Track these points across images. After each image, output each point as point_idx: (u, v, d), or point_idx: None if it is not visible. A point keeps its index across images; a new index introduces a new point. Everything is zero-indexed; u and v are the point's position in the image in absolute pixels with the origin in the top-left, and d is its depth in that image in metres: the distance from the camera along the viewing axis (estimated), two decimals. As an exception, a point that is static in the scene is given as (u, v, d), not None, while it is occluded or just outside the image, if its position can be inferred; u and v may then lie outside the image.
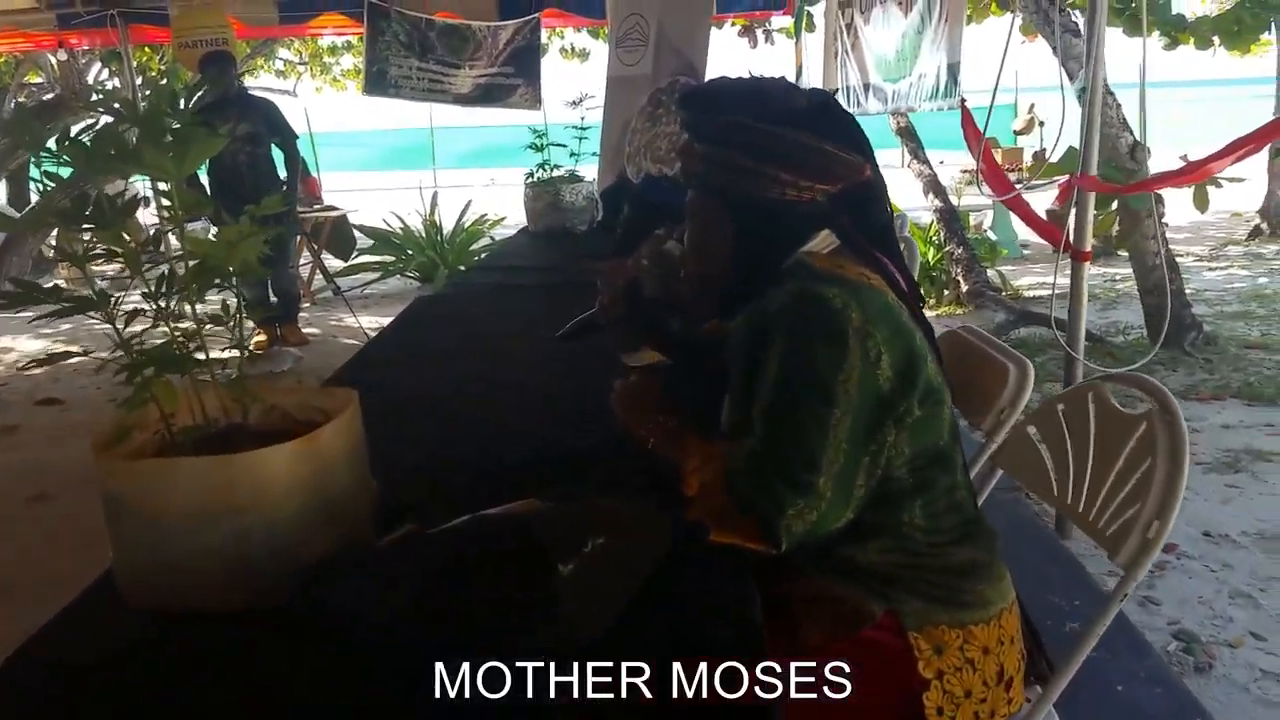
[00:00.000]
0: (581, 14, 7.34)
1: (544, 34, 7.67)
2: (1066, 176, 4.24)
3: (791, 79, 6.75)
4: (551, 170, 4.96)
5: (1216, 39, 6.66)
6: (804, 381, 1.33)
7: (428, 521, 1.42)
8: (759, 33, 9.92)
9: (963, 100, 3.83)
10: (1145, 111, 2.70)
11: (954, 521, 1.48)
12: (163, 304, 1.25)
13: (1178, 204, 8.44)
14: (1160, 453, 1.54)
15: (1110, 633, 1.63)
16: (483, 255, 9.13)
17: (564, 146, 5.12)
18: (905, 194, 8.02)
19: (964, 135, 3.93)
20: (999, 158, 10.61)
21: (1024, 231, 9.57)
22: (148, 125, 1.12)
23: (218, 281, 1.26)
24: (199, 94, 1.30)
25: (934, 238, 7.60)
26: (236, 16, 6.84)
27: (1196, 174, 3.16)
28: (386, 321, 7.62)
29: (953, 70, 3.88)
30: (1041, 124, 10.00)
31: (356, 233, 9.27)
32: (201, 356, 1.27)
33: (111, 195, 1.23)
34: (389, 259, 9.06)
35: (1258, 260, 8.59)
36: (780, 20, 9.36)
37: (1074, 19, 5.38)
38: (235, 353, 1.34)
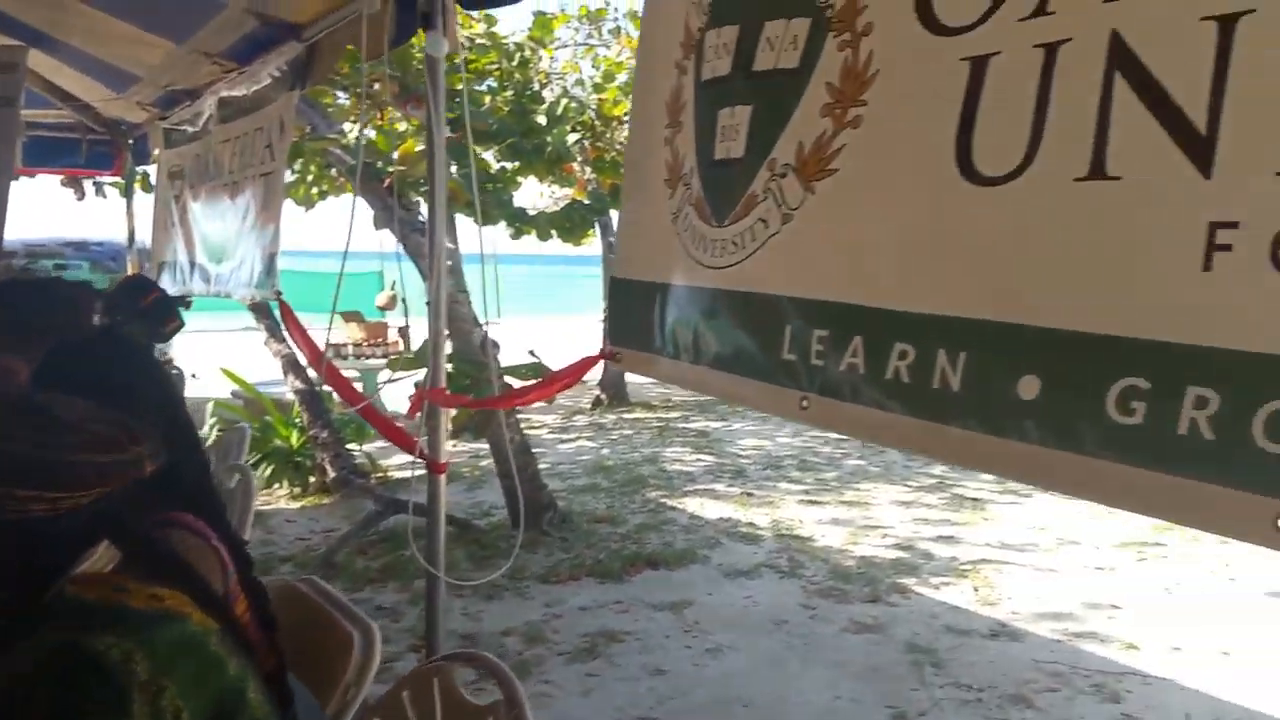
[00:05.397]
0: None
1: None
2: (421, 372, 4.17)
3: (125, 242, 5.93)
4: None
5: (554, 232, 7.55)
6: None
7: None
8: (88, 184, 8.86)
9: (279, 292, 3.57)
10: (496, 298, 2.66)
11: None
12: None
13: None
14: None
15: None
16: None
17: None
18: (267, 372, 7.54)
19: (288, 332, 3.71)
20: (363, 332, 10.53)
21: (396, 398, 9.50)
22: None
23: None
24: None
25: (297, 420, 7.08)
26: None
27: (541, 392, 3.24)
28: None
29: (270, 261, 3.63)
30: (404, 300, 10.08)
31: None
32: None
33: None
34: None
35: (600, 431, 9.40)
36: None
37: (420, 217, 5.48)
38: None
